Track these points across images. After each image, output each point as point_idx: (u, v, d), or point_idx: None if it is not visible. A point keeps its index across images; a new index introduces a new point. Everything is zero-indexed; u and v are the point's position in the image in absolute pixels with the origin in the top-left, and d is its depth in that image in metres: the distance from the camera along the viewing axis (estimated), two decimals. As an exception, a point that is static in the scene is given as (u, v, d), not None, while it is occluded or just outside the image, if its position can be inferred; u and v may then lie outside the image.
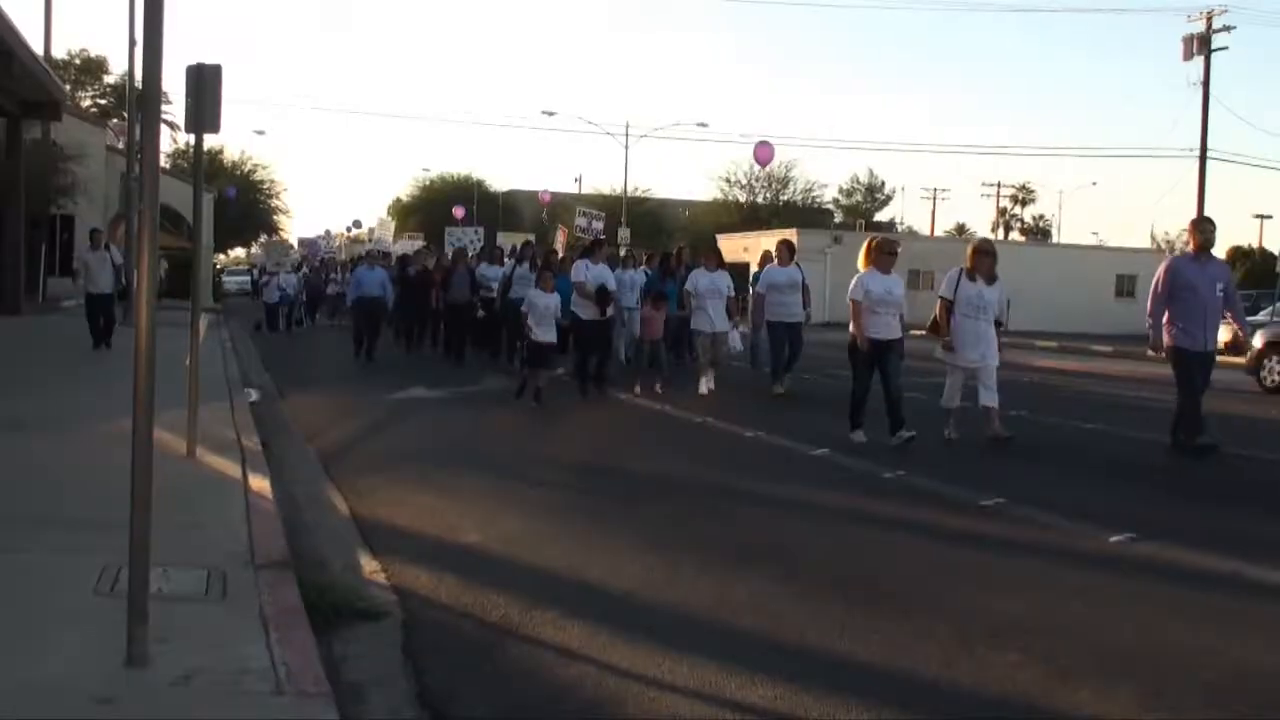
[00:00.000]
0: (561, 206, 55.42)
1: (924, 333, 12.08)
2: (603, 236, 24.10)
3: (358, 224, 53.50)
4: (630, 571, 6.27)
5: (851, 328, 10.99)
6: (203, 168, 10.64)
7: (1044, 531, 7.47)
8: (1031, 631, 5.35)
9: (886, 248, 11.32)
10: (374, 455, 10.27)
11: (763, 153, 26.85)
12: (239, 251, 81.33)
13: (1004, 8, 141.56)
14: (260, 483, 7.94)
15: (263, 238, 71.18)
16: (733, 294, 15.56)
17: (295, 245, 46.22)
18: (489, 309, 19.75)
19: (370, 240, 43.77)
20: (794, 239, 21.98)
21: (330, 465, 9.54)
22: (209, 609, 5.09)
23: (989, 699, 4.56)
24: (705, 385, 14.98)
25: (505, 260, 21.35)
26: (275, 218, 68.82)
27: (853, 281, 11.13)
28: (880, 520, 7.85)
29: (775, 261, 15.66)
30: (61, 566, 5.57)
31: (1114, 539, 7.16)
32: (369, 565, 6.37)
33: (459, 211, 55.28)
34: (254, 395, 14.13)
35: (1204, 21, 39.63)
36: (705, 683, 4.59)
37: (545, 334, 13.73)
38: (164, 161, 40.07)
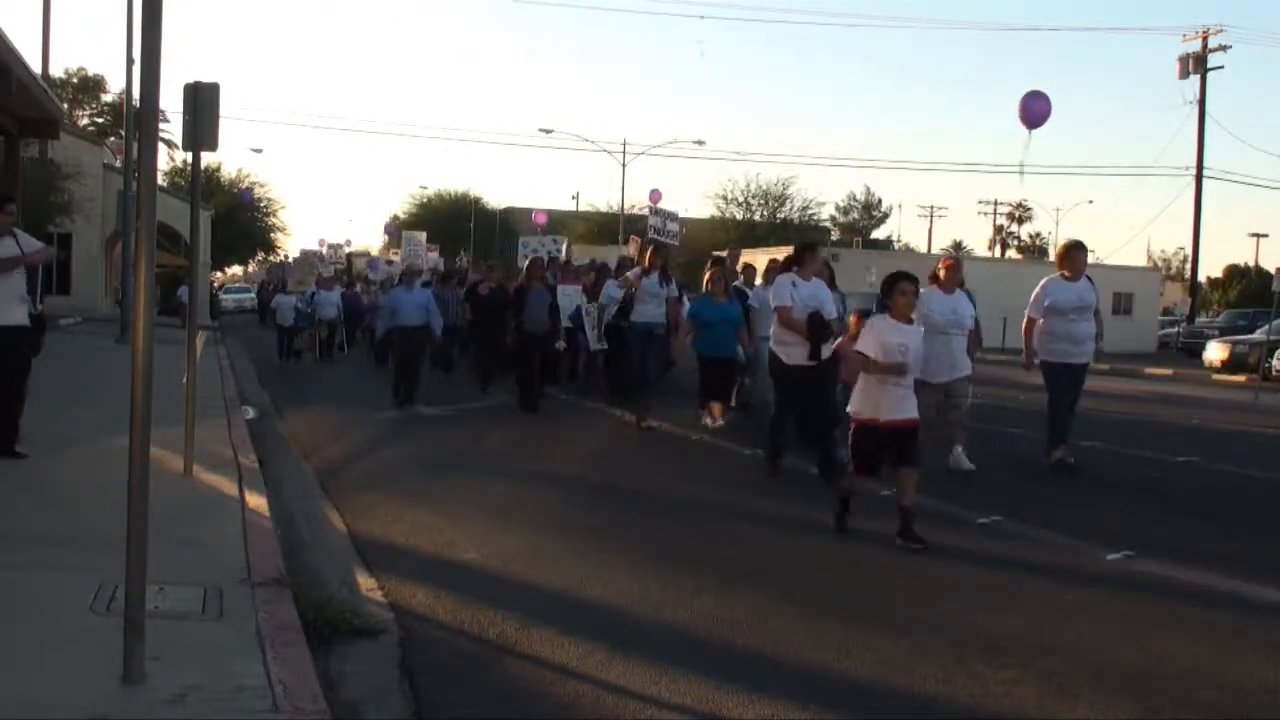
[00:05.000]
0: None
1: None
2: (674, 244, 17.60)
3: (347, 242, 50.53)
4: (628, 589, 6.26)
5: None
6: (200, 185, 10.66)
7: (1041, 549, 7.47)
8: (1029, 649, 5.35)
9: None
10: (371, 472, 10.27)
11: (1038, 107, 19.59)
12: (236, 269, 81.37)
13: (1002, 26, 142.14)
14: (257, 500, 7.94)
15: (260, 255, 71.18)
16: (976, 324, 10.76)
17: (339, 254, 40.12)
18: (615, 340, 15.57)
19: (391, 255, 39.70)
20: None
21: (327, 482, 9.54)
22: (206, 626, 5.08)
23: (986, 716, 4.55)
24: (959, 459, 10.38)
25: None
26: (273, 235, 68.87)
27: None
28: (878, 538, 7.83)
29: (1062, 273, 10.82)
30: (58, 584, 5.57)
31: (1111, 556, 7.16)
32: (366, 582, 6.37)
33: (540, 218, 48.11)
34: (251, 413, 14.13)
35: (1200, 41, 39.86)
36: (703, 701, 4.59)
37: (906, 403, 7.67)
38: (161, 179, 40.11)
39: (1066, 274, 10.74)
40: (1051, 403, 10.70)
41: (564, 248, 23.64)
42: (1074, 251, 10.94)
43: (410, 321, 15.77)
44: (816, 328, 9.79)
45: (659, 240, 16.79)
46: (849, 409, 7.77)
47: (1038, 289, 10.81)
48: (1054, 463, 10.47)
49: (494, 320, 16.60)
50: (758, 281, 14.89)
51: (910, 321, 7.81)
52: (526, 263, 16.71)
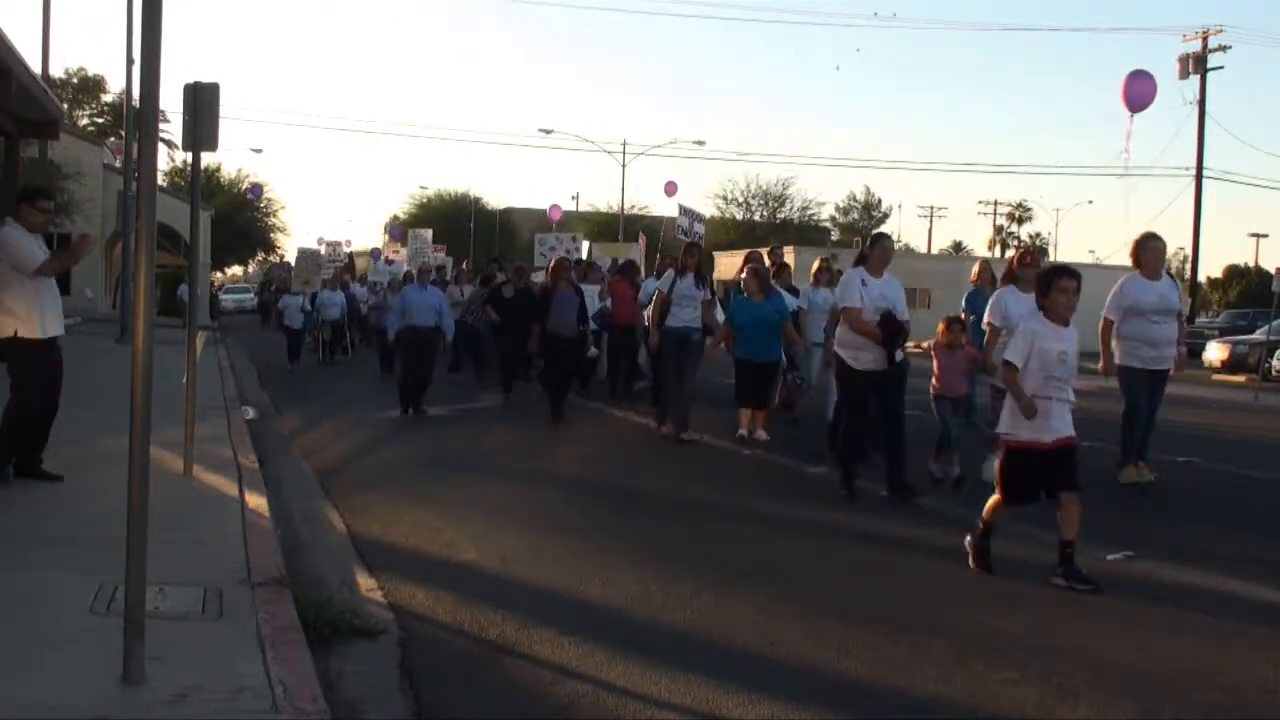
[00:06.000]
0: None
1: None
2: (698, 241, 15.95)
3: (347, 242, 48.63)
4: (628, 589, 6.26)
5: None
6: (200, 185, 10.66)
7: (1041, 549, 7.44)
8: (1029, 649, 5.35)
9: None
10: (371, 472, 10.26)
11: (1142, 88, 17.95)
12: (236, 269, 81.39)
13: (1002, 26, 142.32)
14: (257, 500, 7.94)
15: (260, 255, 71.16)
16: None
17: (330, 250, 37.78)
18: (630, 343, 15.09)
19: (391, 255, 38.25)
20: (790, 258, 20.20)
21: (327, 483, 9.53)
22: (206, 627, 5.08)
23: (986, 716, 4.55)
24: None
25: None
26: (273, 235, 68.83)
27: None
28: (878, 539, 7.85)
29: (1139, 269, 9.67)
30: (59, 584, 5.57)
31: (1111, 557, 7.16)
32: (366, 583, 6.37)
33: (555, 213, 46.69)
34: (251, 413, 14.12)
35: (1200, 41, 39.85)
36: (703, 701, 4.59)
37: (1068, 418, 6.76)
38: (161, 179, 40.06)
39: (1143, 271, 9.60)
40: (1127, 412, 9.61)
41: (585, 246, 22.44)
42: (1150, 242, 9.68)
43: (421, 322, 14.91)
44: (891, 330, 8.98)
45: (687, 240, 15.78)
46: (999, 430, 6.87)
47: (1115, 288, 9.74)
48: (1127, 485, 9.47)
49: (518, 323, 15.58)
50: (807, 282, 13.88)
51: (1068, 323, 6.76)
52: (551, 263, 15.70)
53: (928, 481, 9.37)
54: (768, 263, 14.46)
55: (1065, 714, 4.57)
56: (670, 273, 13.00)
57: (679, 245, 15.09)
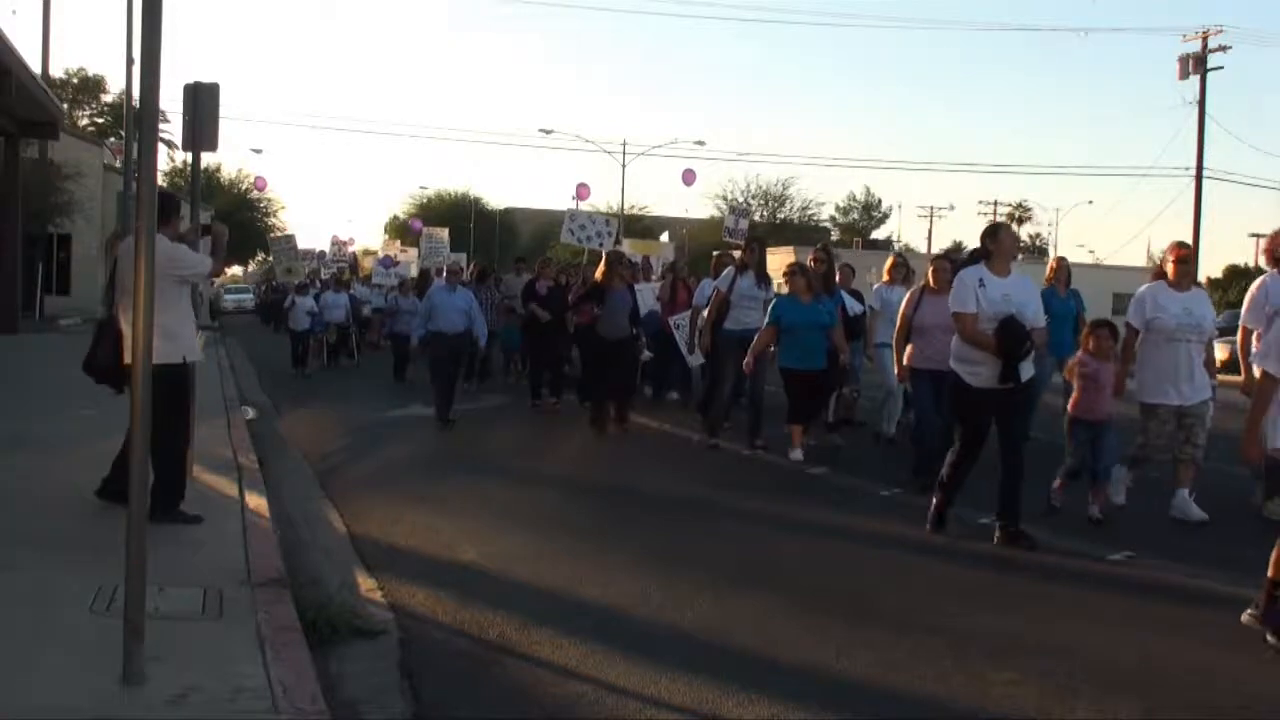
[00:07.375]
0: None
1: None
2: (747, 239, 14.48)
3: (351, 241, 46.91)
4: (628, 590, 6.26)
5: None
6: (200, 185, 10.65)
7: (1041, 549, 7.46)
8: (1029, 650, 5.35)
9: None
10: (371, 473, 10.27)
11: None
12: (236, 269, 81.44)
13: (1003, 27, 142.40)
14: (257, 501, 7.93)
15: (260, 255, 71.14)
16: (1215, 331, 8.72)
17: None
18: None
19: (398, 253, 36.99)
20: (791, 257, 19.95)
21: (327, 483, 9.53)
22: (205, 627, 5.08)
23: (986, 716, 4.55)
24: (1189, 509, 8.34)
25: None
26: (273, 236, 68.82)
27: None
28: (878, 539, 7.84)
29: (1275, 270, 8.45)
30: (58, 585, 5.56)
31: (1113, 557, 7.16)
32: (366, 583, 6.37)
33: (584, 192, 44.47)
34: (251, 413, 14.10)
35: (1200, 41, 39.84)
36: (703, 701, 4.59)
37: None
38: (161, 179, 39.96)
39: None
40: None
41: (614, 229, 20.72)
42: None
43: (452, 326, 13.70)
44: (1012, 340, 7.28)
45: (729, 241, 14.64)
46: (1270, 445, 5.65)
47: (1254, 291, 8.45)
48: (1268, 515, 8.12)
49: (553, 323, 14.88)
50: (877, 283, 12.55)
51: None
52: (602, 257, 14.27)
53: (1043, 508, 8.23)
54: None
55: (1065, 714, 4.57)
56: (729, 270, 11.99)
57: (690, 240, 14.67)
